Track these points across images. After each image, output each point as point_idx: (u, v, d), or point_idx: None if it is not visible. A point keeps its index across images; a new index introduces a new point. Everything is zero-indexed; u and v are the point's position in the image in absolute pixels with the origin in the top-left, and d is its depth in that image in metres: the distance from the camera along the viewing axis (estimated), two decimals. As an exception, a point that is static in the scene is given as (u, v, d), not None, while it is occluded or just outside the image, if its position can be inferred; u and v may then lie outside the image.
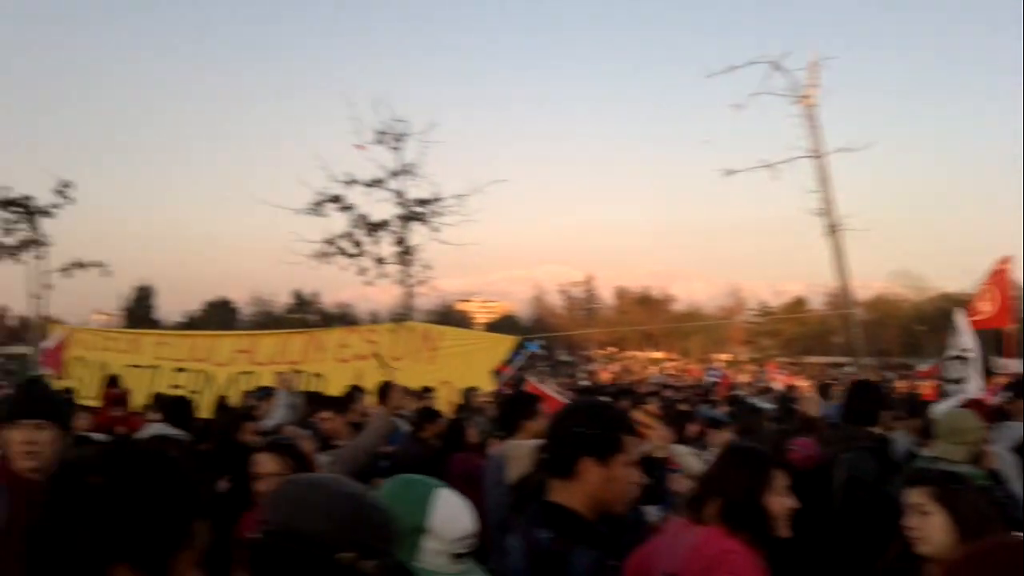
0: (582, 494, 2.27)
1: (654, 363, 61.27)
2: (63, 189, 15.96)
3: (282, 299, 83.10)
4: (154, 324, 66.62)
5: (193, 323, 69.41)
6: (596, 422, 2.31)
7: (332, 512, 1.45)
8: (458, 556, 2.02)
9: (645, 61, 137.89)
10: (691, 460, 3.95)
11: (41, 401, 3.12)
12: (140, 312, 75.38)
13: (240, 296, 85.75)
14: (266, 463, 3.18)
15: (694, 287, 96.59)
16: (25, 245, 15.82)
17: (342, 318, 70.67)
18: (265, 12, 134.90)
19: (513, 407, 4.56)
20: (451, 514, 2.04)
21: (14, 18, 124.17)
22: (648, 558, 2.54)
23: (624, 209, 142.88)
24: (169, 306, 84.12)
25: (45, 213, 15.80)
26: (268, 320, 73.27)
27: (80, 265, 16.64)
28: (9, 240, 15.69)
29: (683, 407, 10.74)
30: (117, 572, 1.27)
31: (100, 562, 1.27)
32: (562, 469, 2.30)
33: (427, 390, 10.01)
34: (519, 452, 3.55)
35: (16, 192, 15.64)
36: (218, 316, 75.37)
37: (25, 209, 15.70)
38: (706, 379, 27.68)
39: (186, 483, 1.39)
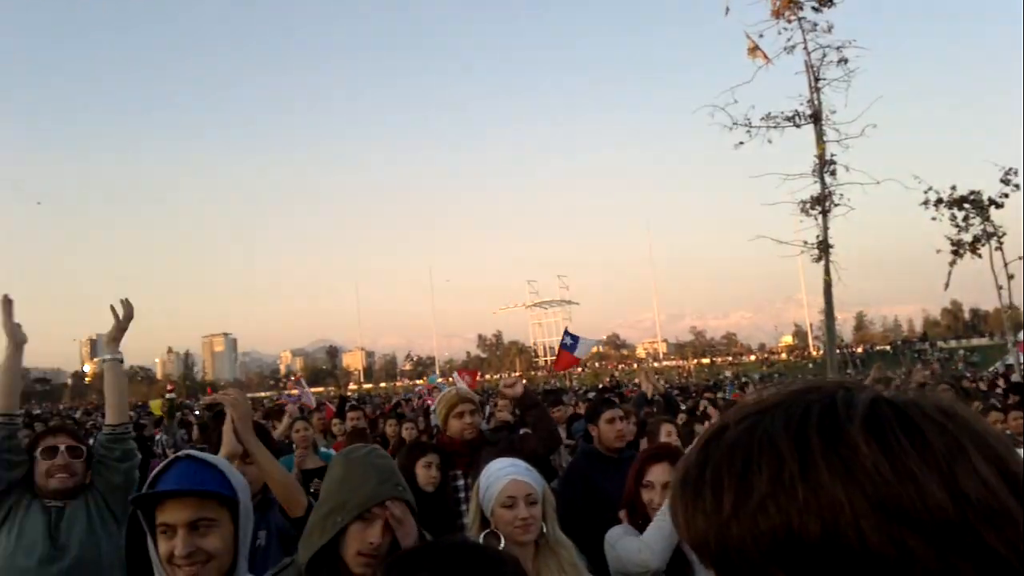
0: None
1: None
2: (1008, 177, 15.90)
3: None
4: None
5: None
6: None
7: None
8: None
9: None
10: None
11: None
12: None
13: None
14: None
15: None
16: (981, 239, 16.23)
17: None
18: None
19: None
20: None
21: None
22: None
23: None
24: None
25: (995, 204, 15.99)
26: None
27: (1043, 252, 16.17)
28: (965, 236, 16.31)
29: None
30: None
31: None
32: None
33: None
34: None
35: (963, 189, 16.29)
36: None
37: (975, 204, 16.14)
38: None
39: None
